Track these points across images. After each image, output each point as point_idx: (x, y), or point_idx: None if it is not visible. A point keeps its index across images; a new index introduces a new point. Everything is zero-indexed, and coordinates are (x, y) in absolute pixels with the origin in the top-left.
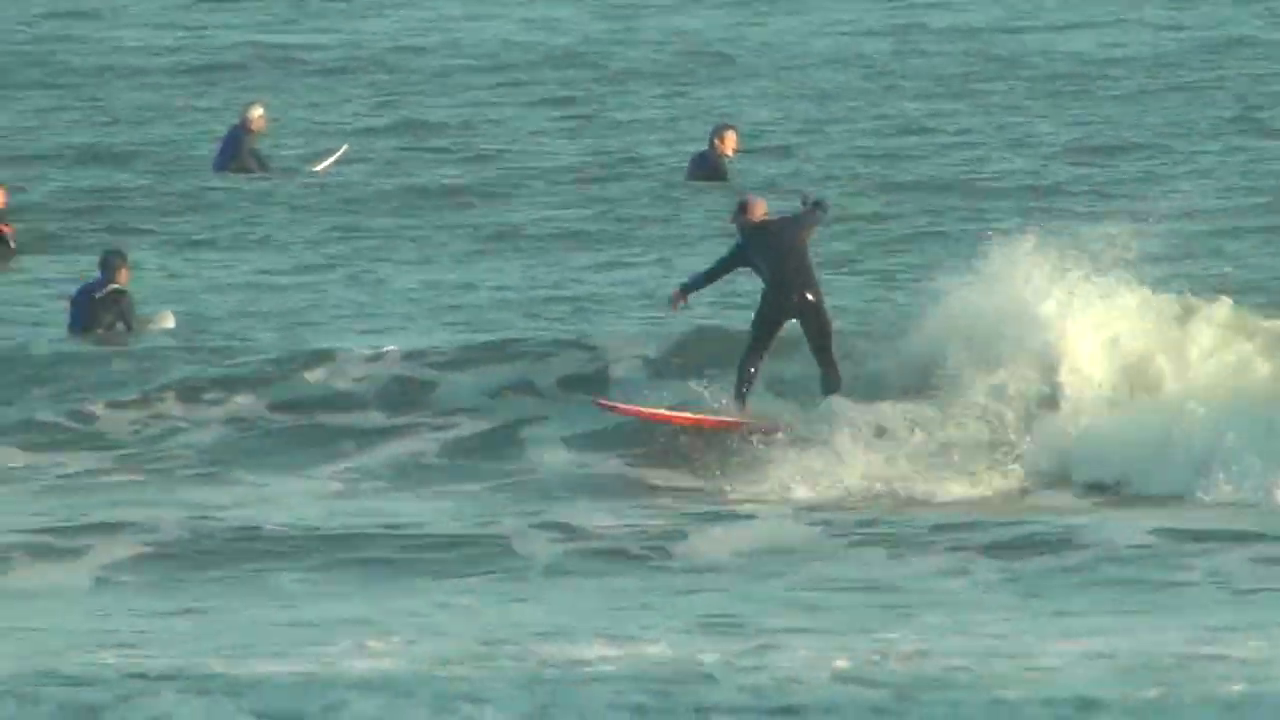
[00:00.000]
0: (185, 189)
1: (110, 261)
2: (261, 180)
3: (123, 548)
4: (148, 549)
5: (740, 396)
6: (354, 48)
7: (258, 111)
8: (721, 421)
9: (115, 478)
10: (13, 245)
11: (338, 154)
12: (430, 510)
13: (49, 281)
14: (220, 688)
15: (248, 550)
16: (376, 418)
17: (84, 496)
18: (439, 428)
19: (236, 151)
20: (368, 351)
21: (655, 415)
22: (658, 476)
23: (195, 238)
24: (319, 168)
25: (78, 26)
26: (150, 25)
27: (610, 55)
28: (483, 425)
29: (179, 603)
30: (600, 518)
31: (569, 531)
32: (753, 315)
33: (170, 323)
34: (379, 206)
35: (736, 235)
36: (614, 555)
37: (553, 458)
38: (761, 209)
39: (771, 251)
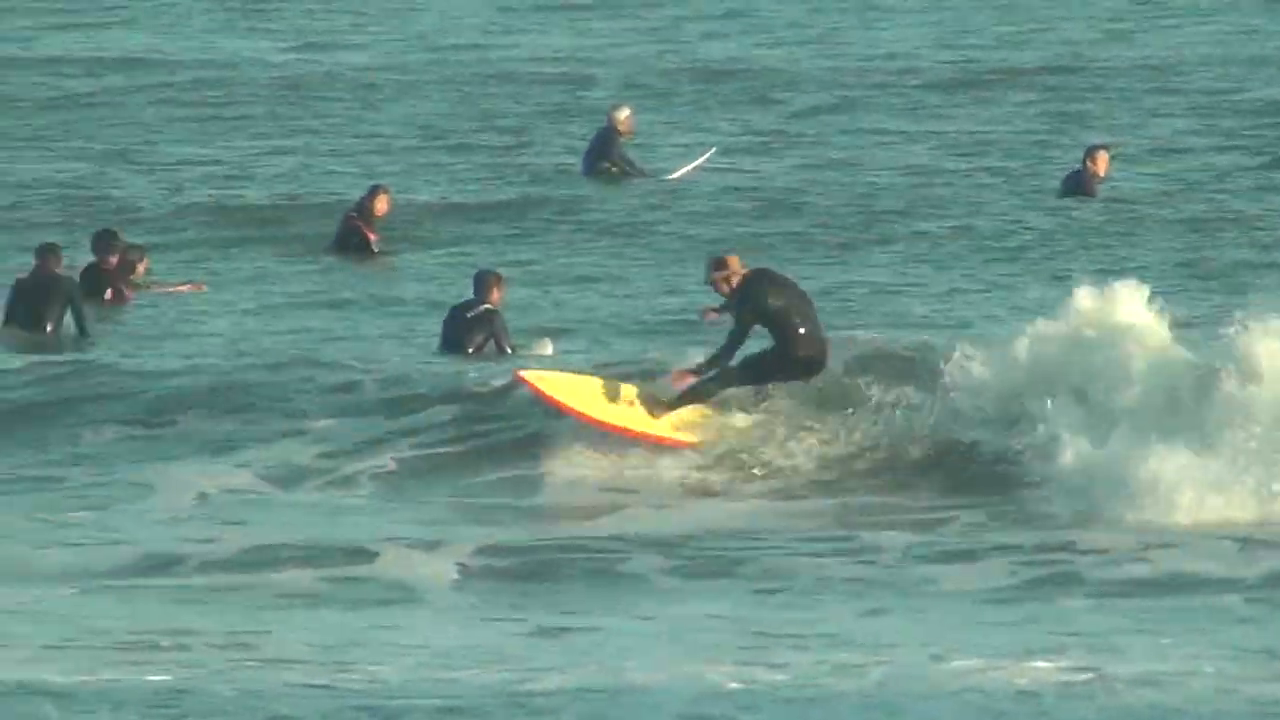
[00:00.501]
0: (561, 195)
1: (484, 280)
2: (629, 182)
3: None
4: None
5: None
6: (735, 61)
7: (625, 113)
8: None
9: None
10: (375, 250)
11: (702, 159)
12: None
13: (406, 298)
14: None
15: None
16: None
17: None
18: None
19: (606, 152)
20: None
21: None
22: None
23: (567, 242)
24: (679, 173)
25: (469, 36)
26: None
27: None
28: None
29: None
30: None
31: None
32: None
33: (549, 349)
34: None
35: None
36: None
37: None
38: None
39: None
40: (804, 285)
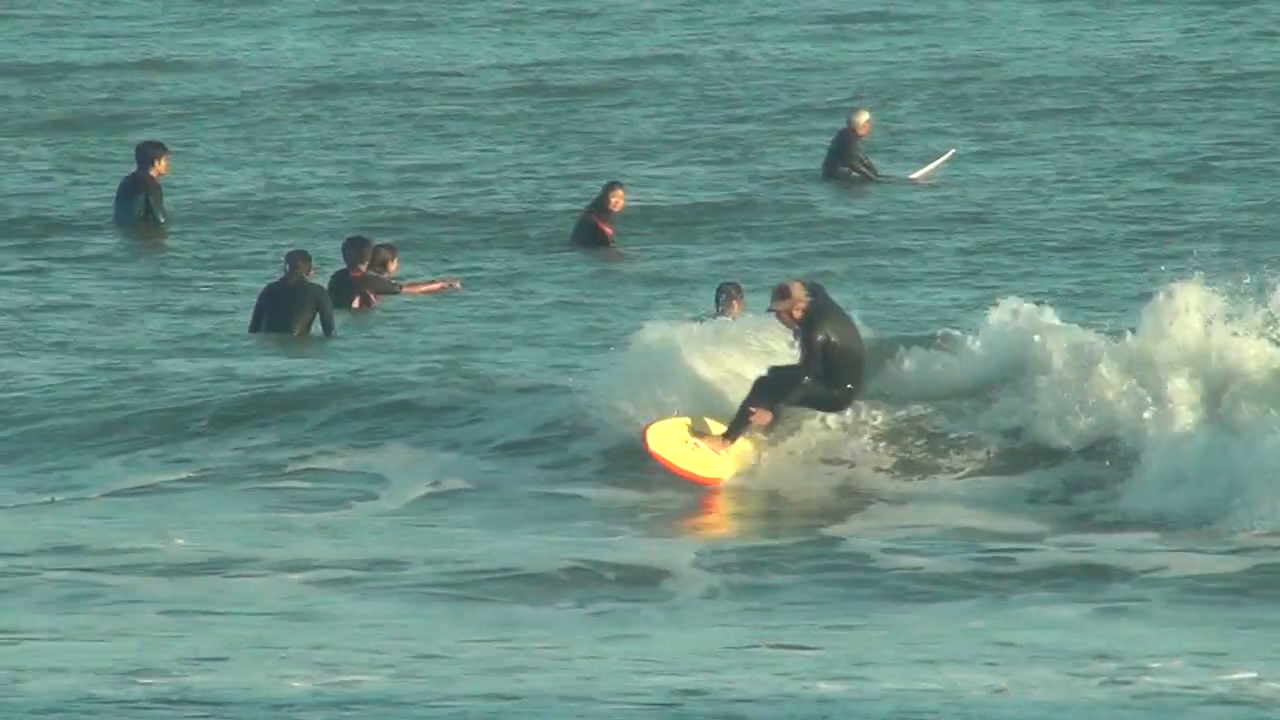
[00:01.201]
0: (796, 199)
1: (724, 291)
2: (867, 184)
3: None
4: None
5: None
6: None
7: (864, 116)
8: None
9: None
10: (613, 245)
11: (942, 159)
12: None
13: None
14: None
15: None
16: None
17: None
18: None
19: (845, 154)
20: None
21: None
22: None
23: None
24: (920, 174)
25: (711, 41)
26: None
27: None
28: None
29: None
30: None
31: None
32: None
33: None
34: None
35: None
36: None
37: None
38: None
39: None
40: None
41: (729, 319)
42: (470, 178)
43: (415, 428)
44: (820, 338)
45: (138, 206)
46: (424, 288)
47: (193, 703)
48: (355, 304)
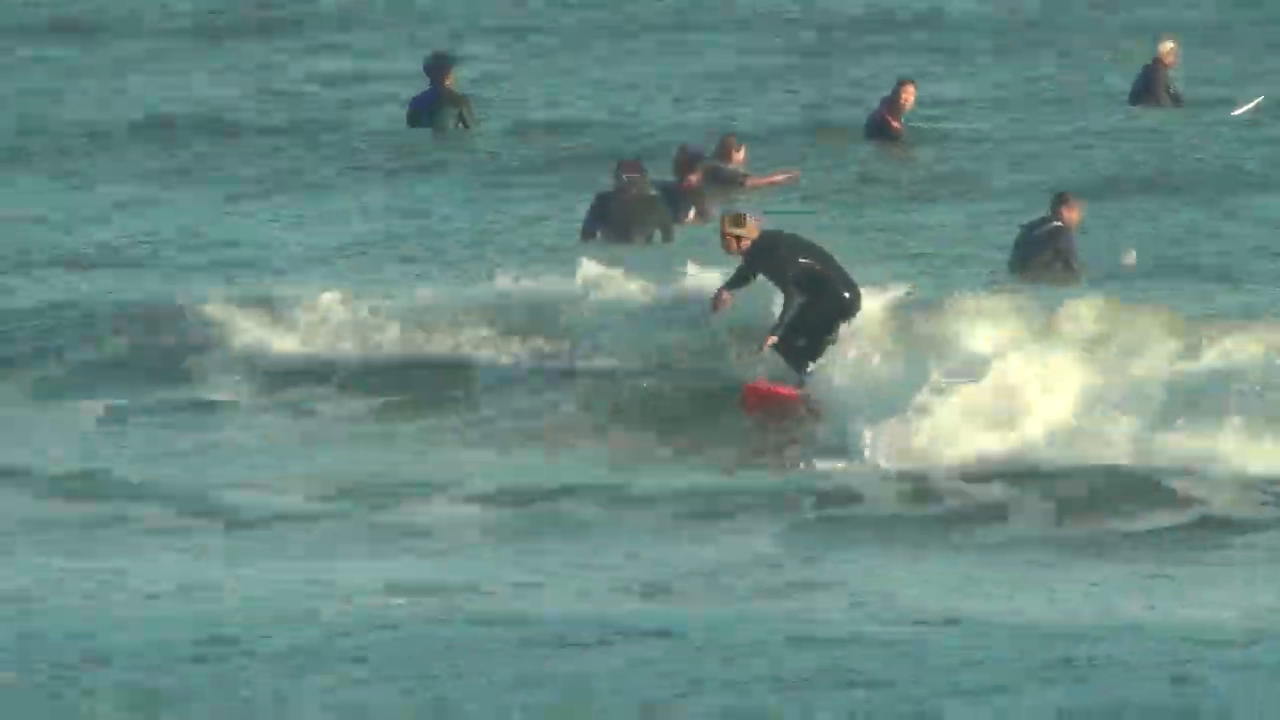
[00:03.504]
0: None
1: (1059, 198)
2: (1173, 114)
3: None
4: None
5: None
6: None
7: (1169, 45)
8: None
9: None
10: (900, 139)
11: (1254, 103)
12: None
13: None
14: None
15: None
16: None
17: None
18: None
19: (1151, 86)
20: None
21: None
22: None
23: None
24: (1238, 111)
25: None
26: None
27: None
28: None
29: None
30: None
31: None
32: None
33: (1130, 259)
34: None
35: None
36: None
37: None
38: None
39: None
40: None
41: (1060, 224)
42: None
43: None
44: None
45: (446, 118)
46: (768, 179)
47: None
48: (689, 217)
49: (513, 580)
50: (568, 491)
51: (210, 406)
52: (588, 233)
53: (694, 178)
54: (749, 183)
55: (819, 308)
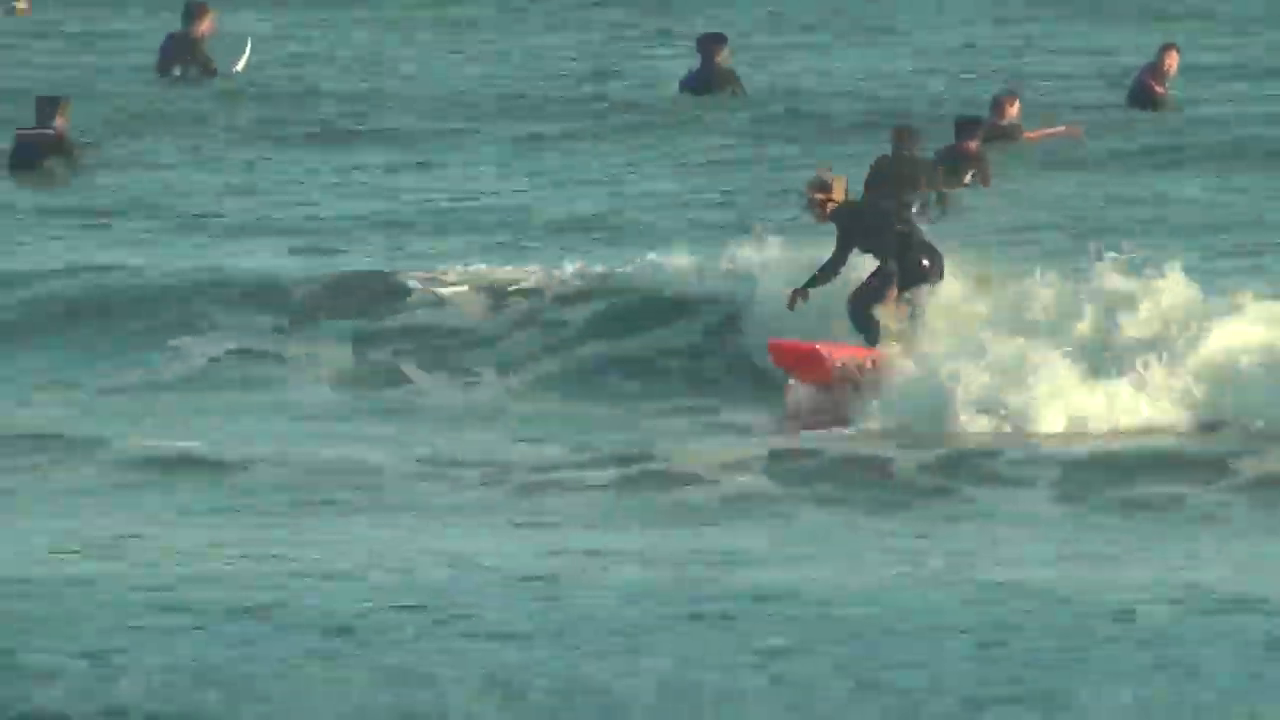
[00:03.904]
0: None
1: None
2: None
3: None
4: None
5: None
6: None
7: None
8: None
9: None
10: (1161, 104)
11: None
12: None
13: None
14: None
15: None
16: None
17: None
18: None
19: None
20: None
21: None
22: None
23: None
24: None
25: None
26: None
27: None
28: None
29: None
30: None
31: None
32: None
33: None
34: None
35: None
36: None
37: None
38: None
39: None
40: None
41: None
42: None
43: None
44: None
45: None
46: (1045, 133)
47: None
48: (966, 180)
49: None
50: None
51: None
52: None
53: (973, 144)
54: (1025, 136)
55: (900, 271)
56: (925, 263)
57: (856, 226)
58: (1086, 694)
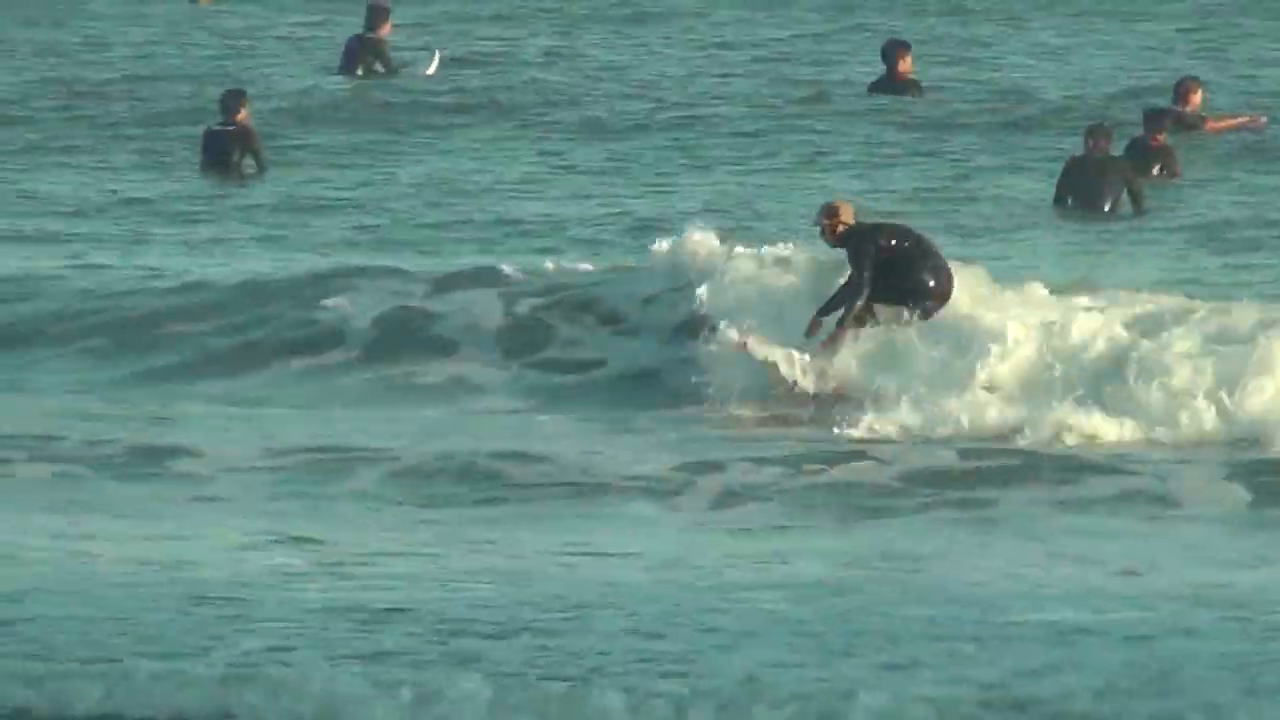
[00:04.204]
0: None
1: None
2: None
3: None
4: None
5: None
6: None
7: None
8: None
9: None
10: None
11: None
12: None
13: None
14: None
15: None
16: None
17: None
18: None
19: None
20: None
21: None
22: None
23: None
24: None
25: None
26: None
27: None
28: None
29: None
30: None
31: None
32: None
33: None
34: None
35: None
36: None
37: None
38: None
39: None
40: None
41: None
42: None
43: None
44: (867, 247)
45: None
46: (1229, 122)
47: None
48: (1155, 171)
49: None
50: None
51: None
52: (1060, 199)
53: (1160, 136)
54: (1209, 125)
55: (899, 288)
56: (931, 283)
57: (867, 248)
58: None
